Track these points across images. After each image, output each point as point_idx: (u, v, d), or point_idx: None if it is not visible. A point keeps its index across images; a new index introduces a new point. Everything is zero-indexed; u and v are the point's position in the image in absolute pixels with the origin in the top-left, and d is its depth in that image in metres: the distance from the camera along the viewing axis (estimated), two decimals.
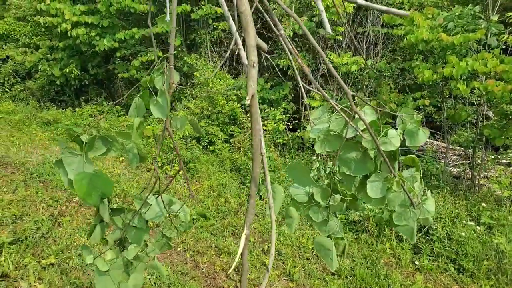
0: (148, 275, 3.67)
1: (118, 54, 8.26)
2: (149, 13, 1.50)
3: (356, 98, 1.22)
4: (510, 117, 5.24)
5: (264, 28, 7.22)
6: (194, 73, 7.62)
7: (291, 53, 1.26)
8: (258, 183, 1.00)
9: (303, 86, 1.32)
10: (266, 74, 8.12)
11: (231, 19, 1.32)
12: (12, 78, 9.82)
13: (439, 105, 6.20)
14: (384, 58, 7.19)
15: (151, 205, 1.12)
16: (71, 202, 4.96)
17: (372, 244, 4.54)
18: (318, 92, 1.26)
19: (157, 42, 8.68)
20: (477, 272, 4.09)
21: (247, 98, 0.96)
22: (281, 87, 7.61)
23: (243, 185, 5.78)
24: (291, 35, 6.70)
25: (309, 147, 6.90)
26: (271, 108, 7.19)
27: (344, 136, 1.09)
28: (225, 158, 6.36)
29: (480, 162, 5.97)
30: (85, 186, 1.04)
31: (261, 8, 1.40)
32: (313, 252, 4.37)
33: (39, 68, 8.99)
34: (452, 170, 6.49)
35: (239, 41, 1.22)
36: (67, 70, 8.70)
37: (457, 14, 5.18)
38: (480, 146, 5.90)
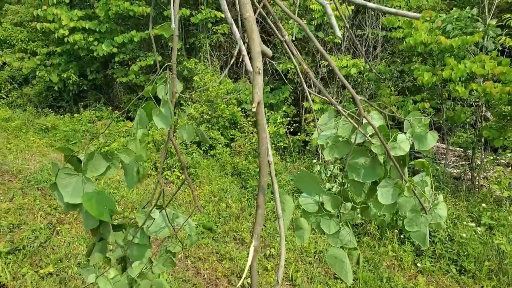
0: None
1: (116, 59, 8.23)
2: (150, 15, 1.48)
3: (361, 102, 1.20)
4: (508, 118, 5.25)
5: (264, 31, 7.21)
6: (194, 78, 7.60)
7: (296, 58, 1.24)
8: (266, 191, 0.97)
9: (308, 92, 1.30)
10: (265, 77, 8.11)
11: (234, 25, 1.30)
12: (9, 84, 9.76)
13: (438, 107, 6.21)
14: (383, 60, 7.21)
15: (154, 219, 1.09)
16: None
17: (374, 247, 4.52)
18: (323, 97, 1.24)
19: (157, 46, 8.66)
20: (478, 273, 4.09)
21: (253, 106, 0.93)
22: (281, 91, 7.61)
23: (244, 189, 5.75)
24: (291, 39, 6.69)
25: (309, 150, 6.88)
26: (272, 112, 7.18)
27: (353, 143, 1.07)
28: (226, 163, 6.32)
29: (479, 163, 5.97)
30: (95, 205, 1.00)
31: (264, 14, 1.39)
32: (315, 256, 4.34)
33: (37, 74, 8.95)
34: (452, 171, 6.49)
35: (243, 48, 1.20)
36: (65, 75, 8.66)
37: (455, 16, 5.20)
38: (479, 147, 5.91)
